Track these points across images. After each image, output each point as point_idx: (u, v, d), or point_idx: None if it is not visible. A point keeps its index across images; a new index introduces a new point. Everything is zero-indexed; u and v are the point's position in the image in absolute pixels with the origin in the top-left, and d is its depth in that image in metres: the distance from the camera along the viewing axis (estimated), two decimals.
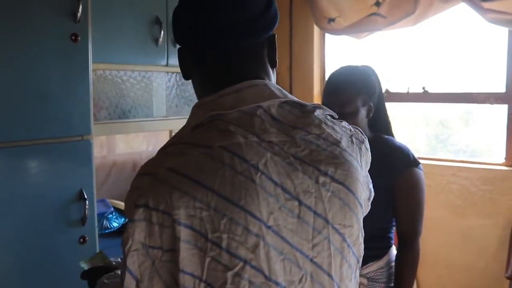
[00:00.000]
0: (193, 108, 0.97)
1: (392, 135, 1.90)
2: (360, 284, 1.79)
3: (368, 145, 1.04)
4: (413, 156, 1.79)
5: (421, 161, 1.82)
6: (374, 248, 1.80)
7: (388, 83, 3.13)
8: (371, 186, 1.04)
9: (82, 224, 1.93)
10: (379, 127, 1.87)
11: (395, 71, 3.17)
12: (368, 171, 1.75)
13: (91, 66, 1.93)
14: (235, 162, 0.83)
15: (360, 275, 1.79)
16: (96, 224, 2.01)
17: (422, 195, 1.79)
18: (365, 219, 1.74)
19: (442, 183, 2.87)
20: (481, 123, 3.14)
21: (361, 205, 0.97)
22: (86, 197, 1.92)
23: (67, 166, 1.90)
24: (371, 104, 1.78)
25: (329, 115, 0.98)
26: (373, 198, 1.74)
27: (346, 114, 1.72)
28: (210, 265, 0.81)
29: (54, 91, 1.84)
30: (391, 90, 3.09)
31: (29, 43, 1.76)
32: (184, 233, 0.81)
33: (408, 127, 3.37)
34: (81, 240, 1.94)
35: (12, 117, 1.73)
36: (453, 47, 2.96)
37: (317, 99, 3.35)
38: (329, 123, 0.95)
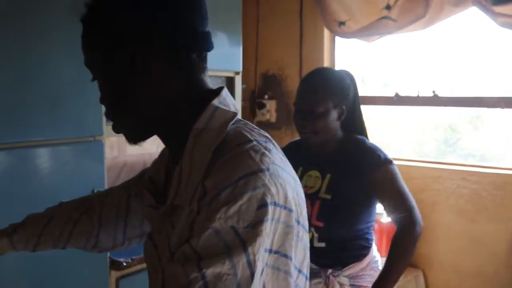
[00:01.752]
0: (214, 106, 0.91)
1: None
2: (342, 284, 1.80)
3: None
4: (385, 155, 1.78)
5: (430, 165, 1.82)
6: (354, 249, 1.82)
7: (397, 86, 3.13)
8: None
9: None
10: (353, 131, 1.89)
11: (405, 75, 3.17)
12: (342, 172, 1.76)
13: None
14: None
15: (342, 276, 1.80)
16: None
17: (401, 182, 1.77)
18: (342, 222, 1.75)
19: (452, 187, 2.86)
20: (491, 128, 3.13)
21: None
22: None
23: (79, 166, 1.92)
24: (343, 107, 1.79)
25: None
26: (349, 203, 1.76)
27: (316, 114, 1.75)
28: (299, 248, 0.89)
29: (66, 91, 1.86)
30: (401, 94, 3.09)
31: (42, 43, 1.78)
32: (296, 227, 0.87)
33: (417, 131, 3.36)
34: None
35: (25, 117, 1.75)
36: (464, 51, 2.96)
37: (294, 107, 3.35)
38: None
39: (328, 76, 1.84)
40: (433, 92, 2.98)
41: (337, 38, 3.37)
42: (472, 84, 2.96)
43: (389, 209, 1.79)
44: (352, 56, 3.40)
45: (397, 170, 1.78)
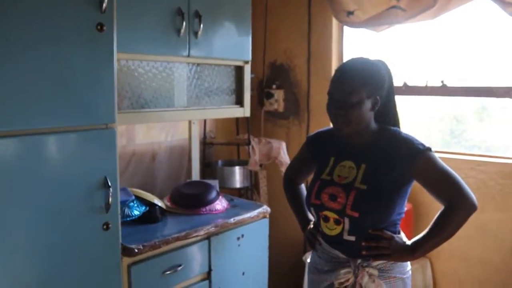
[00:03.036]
0: None
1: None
2: (371, 275, 1.81)
3: None
4: (423, 144, 1.78)
5: (438, 154, 1.82)
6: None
7: (406, 76, 3.13)
8: None
9: (106, 211, 1.97)
10: (387, 122, 1.88)
11: (414, 65, 3.17)
12: (378, 163, 1.78)
13: (115, 55, 1.96)
14: None
15: (371, 267, 1.81)
16: (119, 211, 2.04)
17: (445, 166, 1.77)
18: (377, 212, 1.76)
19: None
20: (497, 119, 3.12)
21: None
22: (110, 184, 1.95)
23: (92, 153, 1.93)
24: (378, 97, 1.78)
25: None
26: (385, 193, 1.77)
27: (350, 104, 1.73)
28: None
29: (80, 79, 1.87)
30: (409, 84, 3.09)
31: (56, 32, 1.78)
32: None
33: (423, 122, 3.36)
34: (105, 226, 1.98)
35: (39, 105, 1.76)
36: (473, 41, 2.95)
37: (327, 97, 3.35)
38: None
39: (363, 65, 1.80)
40: (442, 82, 2.98)
41: (346, 28, 3.37)
42: (481, 74, 2.96)
43: (440, 195, 1.79)
44: (360, 46, 3.40)
45: (437, 157, 1.78)
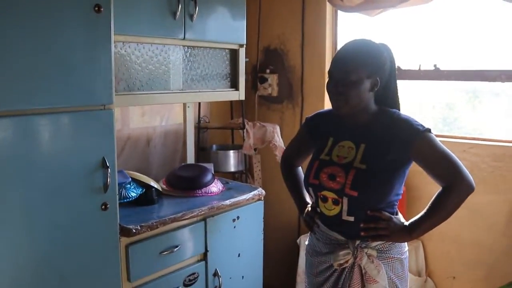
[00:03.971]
0: None
1: None
2: (370, 256, 1.83)
3: None
4: (422, 125, 1.80)
5: None
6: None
7: (400, 61, 3.15)
8: None
9: (104, 191, 1.98)
10: (387, 105, 1.89)
11: (407, 49, 3.19)
12: (377, 143, 1.80)
13: (113, 37, 1.97)
14: None
15: (370, 248, 1.84)
16: (117, 192, 2.06)
17: (443, 147, 1.79)
18: (376, 191, 1.79)
19: None
20: (488, 106, 3.16)
21: None
22: (108, 164, 1.97)
23: (90, 134, 1.94)
24: (378, 78, 1.79)
25: None
26: (384, 173, 1.79)
27: (349, 82, 1.75)
28: None
29: (77, 60, 1.87)
30: (403, 68, 3.12)
31: (54, 12, 1.78)
32: None
33: (414, 110, 3.39)
34: (103, 207, 1.99)
35: (36, 84, 1.76)
36: (465, 25, 2.98)
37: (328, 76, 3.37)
38: None
39: (364, 47, 1.81)
40: (435, 65, 3.01)
41: (339, 12, 3.39)
42: (473, 58, 2.99)
43: (438, 176, 1.81)
44: (354, 30, 3.41)
45: (436, 138, 1.80)
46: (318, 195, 1.90)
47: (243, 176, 3.43)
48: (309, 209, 2.06)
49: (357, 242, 1.85)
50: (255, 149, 3.40)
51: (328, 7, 3.36)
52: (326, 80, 1.87)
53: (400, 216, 1.91)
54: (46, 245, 1.86)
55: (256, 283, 2.89)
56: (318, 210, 1.95)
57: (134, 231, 2.14)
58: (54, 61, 1.81)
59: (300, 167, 2.24)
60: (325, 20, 3.40)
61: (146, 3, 2.37)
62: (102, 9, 1.92)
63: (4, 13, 1.66)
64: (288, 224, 3.62)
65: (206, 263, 2.52)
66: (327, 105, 3.34)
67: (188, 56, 2.70)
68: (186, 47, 2.67)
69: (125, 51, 2.37)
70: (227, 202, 2.58)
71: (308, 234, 2.09)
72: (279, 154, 3.26)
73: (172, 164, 3.21)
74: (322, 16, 3.40)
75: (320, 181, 1.87)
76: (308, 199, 2.11)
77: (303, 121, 2.20)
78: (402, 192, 1.90)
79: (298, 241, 3.31)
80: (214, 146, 3.46)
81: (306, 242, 2.11)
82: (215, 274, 2.56)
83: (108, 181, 1.97)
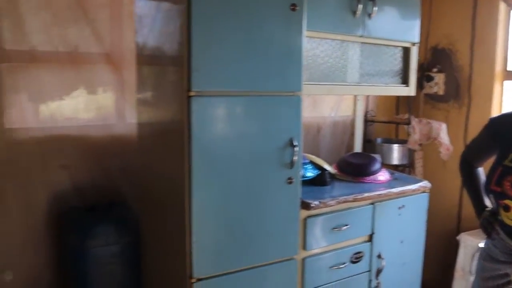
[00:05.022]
0: None
1: None
2: None
3: None
4: None
5: None
6: None
7: None
8: None
9: (290, 167, 2.26)
10: None
11: None
12: None
13: (304, 32, 2.24)
14: None
15: None
16: (300, 169, 2.32)
17: None
18: None
19: None
20: None
21: None
22: (295, 144, 2.24)
23: (282, 116, 2.24)
24: None
25: None
26: None
27: None
28: None
29: (275, 51, 2.18)
30: None
31: (258, 9, 2.11)
32: None
33: None
34: (289, 180, 2.27)
35: (246, 71, 2.09)
36: None
37: (498, 77, 3.35)
38: None
39: None
40: None
41: None
42: None
43: None
44: None
45: None
46: (500, 203, 1.82)
47: (406, 170, 3.54)
48: (488, 213, 1.98)
49: None
50: (419, 145, 3.50)
51: (502, 6, 3.33)
52: (496, 81, 1.86)
53: None
54: (240, 209, 2.18)
55: (415, 272, 3.01)
56: (499, 218, 1.87)
57: (312, 205, 2.40)
58: (257, 52, 2.12)
59: (481, 168, 2.15)
60: (498, 20, 3.36)
61: (332, 3, 2.61)
62: (297, 8, 2.20)
63: (223, 10, 2.01)
64: (448, 220, 3.65)
65: (372, 244, 2.70)
66: (495, 107, 3.33)
67: (363, 52, 2.90)
68: (362, 43, 2.87)
69: (310, 46, 2.64)
70: (395, 190, 2.74)
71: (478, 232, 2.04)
72: (443, 151, 3.33)
73: (338, 153, 3.44)
74: (495, 16, 3.38)
75: (502, 189, 1.79)
76: (487, 202, 2.03)
77: (470, 121, 2.20)
78: None
79: (458, 238, 3.34)
80: (379, 139, 3.62)
81: (481, 245, 2.07)
82: (379, 256, 2.73)
83: (295, 158, 2.25)
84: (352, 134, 3.40)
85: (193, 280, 2.07)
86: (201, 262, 2.08)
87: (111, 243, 2.41)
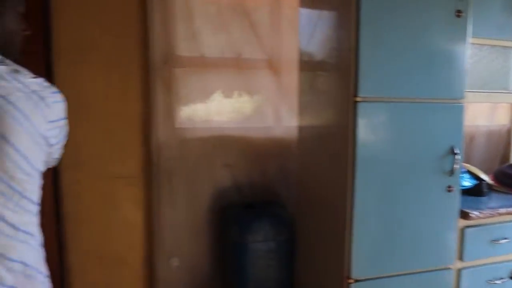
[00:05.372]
0: None
1: None
2: None
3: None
4: None
5: None
6: None
7: None
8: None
9: (450, 175, 2.23)
10: None
11: None
12: None
13: (469, 39, 2.21)
14: None
15: None
16: (460, 178, 2.29)
17: None
18: None
19: None
20: None
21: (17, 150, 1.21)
22: (457, 152, 2.21)
23: (443, 124, 2.22)
24: None
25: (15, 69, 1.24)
26: None
27: None
28: None
29: (438, 57, 2.17)
30: None
31: (422, 13, 2.12)
32: None
33: None
34: (448, 189, 2.25)
35: (410, 78, 2.12)
36: None
37: None
38: (8, 78, 1.22)
39: None
40: None
41: None
42: None
43: None
44: None
45: None
46: None
47: None
48: None
49: None
50: None
51: None
52: None
53: None
54: (399, 213, 2.20)
55: None
56: None
57: (471, 215, 2.34)
58: (421, 58, 2.14)
59: None
60: None
61: (496, 7, 2.54)
62: (462, 14, 2.17)
63: (389, 16, 2.06)
64: None
65: None
66: None
67: None
68: None
69: (472, 52, 2.58)
70: None
71: None
72: None
73: (492, 163, 3.31)
74: None
75: None
76: None
77: None
78: None
79: None
80: None
81: None
82: None
83: (455, 167, 2.22)
84: (508, 144, 3.25)
85: (351, 281, 2.14)
86: (359, 263, 2.14)
87: (269, 239, 2.54)
